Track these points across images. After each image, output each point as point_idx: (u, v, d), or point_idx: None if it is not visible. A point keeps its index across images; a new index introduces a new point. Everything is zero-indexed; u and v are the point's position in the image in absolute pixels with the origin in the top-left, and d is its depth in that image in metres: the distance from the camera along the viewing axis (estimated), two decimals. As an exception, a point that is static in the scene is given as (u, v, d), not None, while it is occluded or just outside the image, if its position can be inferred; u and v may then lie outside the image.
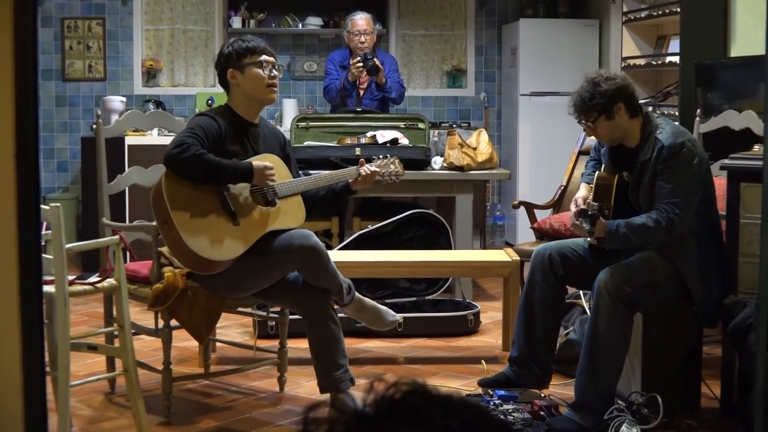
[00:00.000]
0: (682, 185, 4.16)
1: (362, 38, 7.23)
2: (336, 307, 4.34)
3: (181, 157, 4.07)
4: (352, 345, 5.41)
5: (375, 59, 7.11)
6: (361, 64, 7.10)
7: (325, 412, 1.17)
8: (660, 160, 4.18)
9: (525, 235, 7.86)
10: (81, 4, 9.24)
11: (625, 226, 4.19)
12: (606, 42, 8.98)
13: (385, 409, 1.14)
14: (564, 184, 6.50)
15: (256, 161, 4.24)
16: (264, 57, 4.38)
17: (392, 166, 4.69)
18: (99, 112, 5.18)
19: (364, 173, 4.51)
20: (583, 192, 4.56)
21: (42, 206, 3.13)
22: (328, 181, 4.53)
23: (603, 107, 4.25)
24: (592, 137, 4.57)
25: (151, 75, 9.37)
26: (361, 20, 7.29)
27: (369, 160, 4.67)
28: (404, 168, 4.79)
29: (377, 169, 4.57)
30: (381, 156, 4.76)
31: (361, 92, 7.35)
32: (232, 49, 4.38)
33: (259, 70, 4.36)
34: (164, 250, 4.46)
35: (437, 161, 6.73)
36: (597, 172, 4.47)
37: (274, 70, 4.41)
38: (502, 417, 4.15)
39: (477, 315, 5.99)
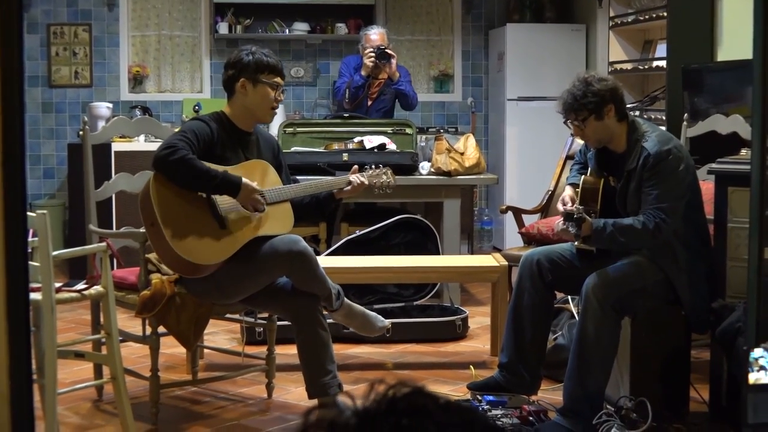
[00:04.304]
0: (669, 190, 4.17)
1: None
2: (325, 313, 4.33)
3: (169, 160, 4.06)
4: (341, 351, 5.40)
5: (387, 50, 7.16)
6: (373, 54, 7.12)
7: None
8: (646, 168, 4.18)
9: (513, 240, 7.86)
10: (67, 10, 9.21)
11: (612, 225, 4.19)
12: (593, 46, 8.99)
13: (386, 406, 1.15)
14: (551, 188, 6.51)
15: (248, 180, 4.21)
16: (278, 80, 4.39)
17: (384, 177, 4.67)
18: (85, 119, 5.16)
19: (354, 183, 4.50)
20: (569, 191, 4.55)
21: (28, 213, 3.12)
22: (317, 189, 4.51)
23: (595, 106, 4.25)
24: (580, 140, 4.57)
25: (137, 81, 9.35)
26: (374, 35, 7.30)
27: (362, 167, 4.65)
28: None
29: (365, 181, 4.56)
30: (373, 166, 4.74)
31: (369, 102, 7.34)
32: (252, 59, 4.36)
33: (272, 91, 4.37)
34: (152, 256, 4.44)
35: (425, 166, 6.73)
36: (583, 176, 4.47)
37: (281, 95, 4.42)
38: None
39: (465, 320, 5.98)
